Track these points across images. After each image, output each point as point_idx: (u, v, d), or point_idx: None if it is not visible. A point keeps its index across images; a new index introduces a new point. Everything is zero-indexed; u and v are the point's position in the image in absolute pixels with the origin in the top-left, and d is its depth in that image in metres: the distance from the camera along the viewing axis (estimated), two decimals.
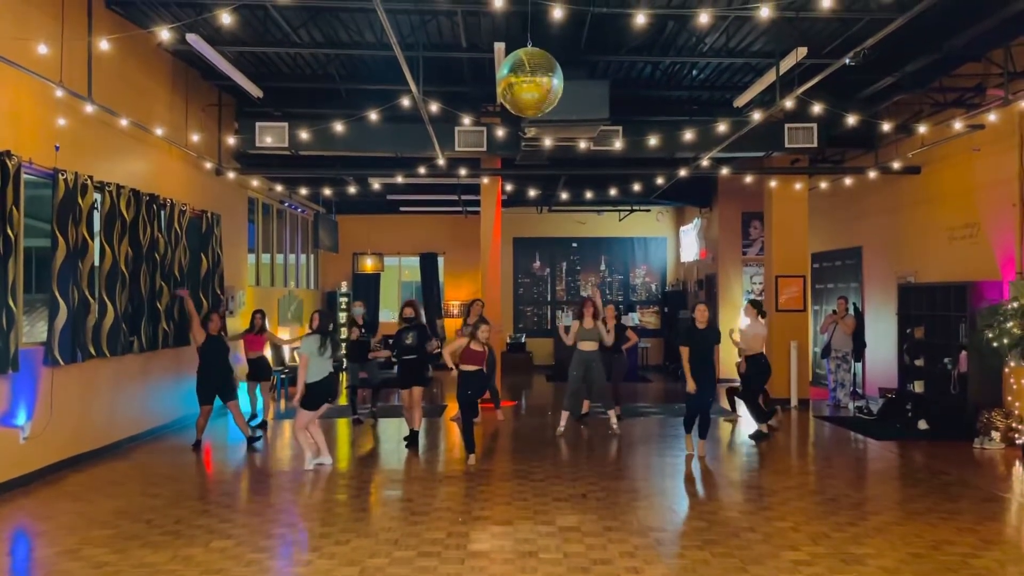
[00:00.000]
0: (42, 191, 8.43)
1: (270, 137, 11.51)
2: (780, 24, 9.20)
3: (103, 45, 8.04)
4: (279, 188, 15.83)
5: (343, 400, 13.78)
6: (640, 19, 7.76)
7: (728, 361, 15.44)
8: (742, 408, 11.17)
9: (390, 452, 9.67)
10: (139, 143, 10.00)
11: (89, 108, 8.20)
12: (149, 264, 9.98)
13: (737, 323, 11.30)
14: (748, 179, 14.30)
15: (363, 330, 11.68)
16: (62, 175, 8.15)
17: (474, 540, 5.99)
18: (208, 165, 11.97)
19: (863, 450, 9.81)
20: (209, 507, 6.97)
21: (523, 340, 19.90)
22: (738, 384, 11.24)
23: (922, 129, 11.08)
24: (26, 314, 8.23)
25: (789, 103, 9.36)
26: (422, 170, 12.97)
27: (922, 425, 10.76)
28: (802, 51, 9.08)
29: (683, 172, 13.01)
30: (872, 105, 11.45)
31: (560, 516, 6.63)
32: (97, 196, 8.94)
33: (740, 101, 11.32)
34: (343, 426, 11.43)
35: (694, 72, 11.64)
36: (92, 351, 8.70)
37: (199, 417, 9.73)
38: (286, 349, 15.26)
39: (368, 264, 20.81)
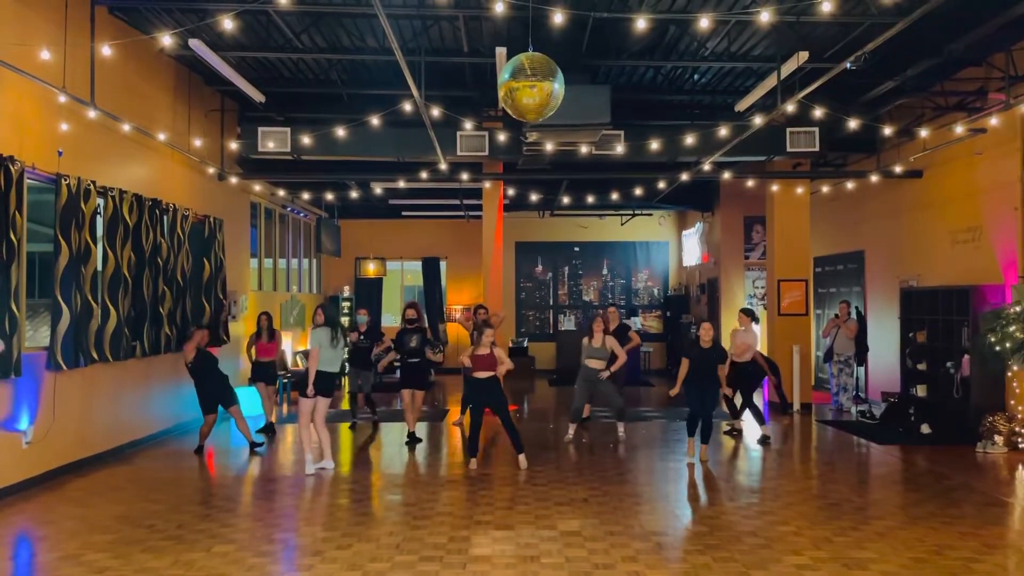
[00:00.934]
0: (45, 196, 8.46)
1: (272, 142, 11.54)
2: (781, 28, 9.21)
3: (106, 51, 8.08)
4: (281, 193, 15.86)
5: (345, 404, 13.80)
6: (641, 24, 7.78)
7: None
8: (744, 414, 11.15)
9: (392, 456, 9.67)
10: (142, 148, 10.03)
11: (92, 113, 8.23)
12: (152, 269, 10.00)
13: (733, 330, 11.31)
14: (750, 183, 14.31)
15: (363, 336, 11.67)
16: (65, 180, 8.17)
17: (476, 544, 5.98)
18: (211, 170, 12.00)
19: (865, 454, 9.79)
20: (211, 512, 6.97)
21: (525, 344, 19.89)
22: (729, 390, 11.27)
23: (924, 133, 11.08)
24: (29, 319, 8.26)
25: (790, 107, 9.36)
26: (424, 174, 12.98)
27: (925, 429, 10.73)
28: (803, 55, 9.09)
29: (685, 176, 13.01)
30: (874, 109, 11.45)
31: (562, 520, 6.63)
32: (100, 201, 8.96)
33: (742, 105, 11.33)
34: (344, 430, 11.43)
35: (695, 76, 11.66)
36: (95, 356, 8.72)
37: (203, 425, 9.73)
38: (289, 354, 15.28)
39: (370, 268, 20.83)
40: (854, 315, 13.03)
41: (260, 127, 11.68)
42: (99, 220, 9.00)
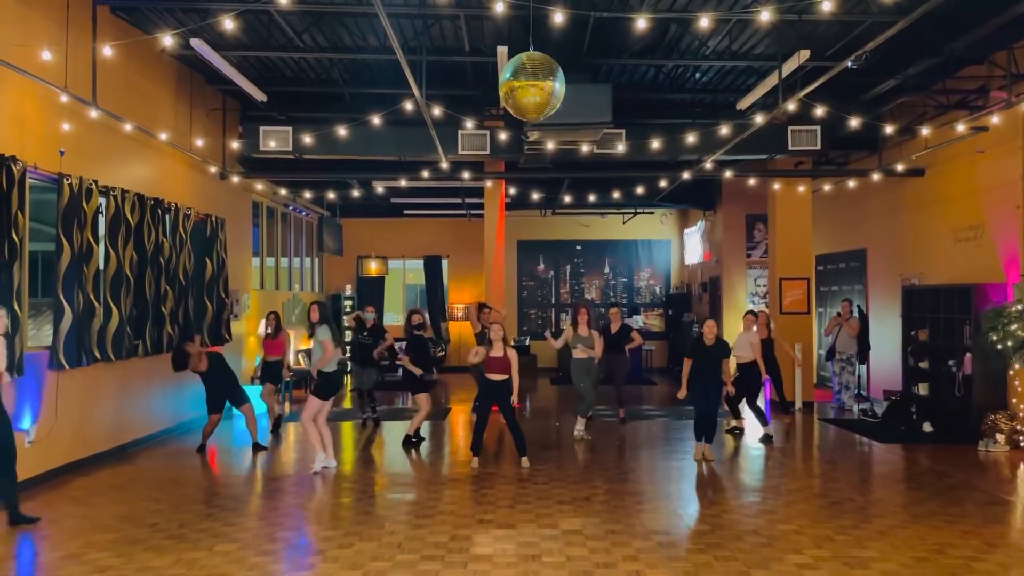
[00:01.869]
0: (47, 196, 8.48)
1: (274, 141, 11.54)
2: (782, 27, 9.20)
3: (107, 50, 8.09)
4: (283, 192, 15.87)
5: (347, 403, 13.83)
6: (642, 23, 7.78)
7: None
8: (746, 412, 11.15)
9: (393, 455, 9.68)
10: (144, 148, 10.04)
11: (94, 113, 8.24)
12: (154, 268, 10.01)
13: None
14: (752, 182, 14.31)
15: (366, 333, 11.69)
16: (67, 180, 8.19)
17: (477, 543, 5.99)
18: (212, 169, 12.01)
19: (867, 453, 9.79)
20: (213, 511, 6.99)
21: (527, 343, 19.89)
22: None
23: (925, 131, 11.06)
24: (31, 318, 8.28)
25: (792, 106, 9.35)
26: (426, 173, 12.99)
27: (926, 428, 10.73)
28: (804, 54, 9.08)
29: (686, 175, 13.01)
30: (875, 107, 11.45)
31: (563, 519, 6.64)
32: (102, 200, 8.98)
33: (743, 104, 11.32)
34: (347, 429, 11.45)
35: (697, 75, 11.65)
36: (97, 355, 8.73)
37: (207, 424, 9.74)
38: (292, 353, 15.30)
39: (372, 267, 20.84)
40: (856, 313, 13.02)
41: (262, 126, 11.69)
42: (101, 219, 9.02)
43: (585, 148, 11.31)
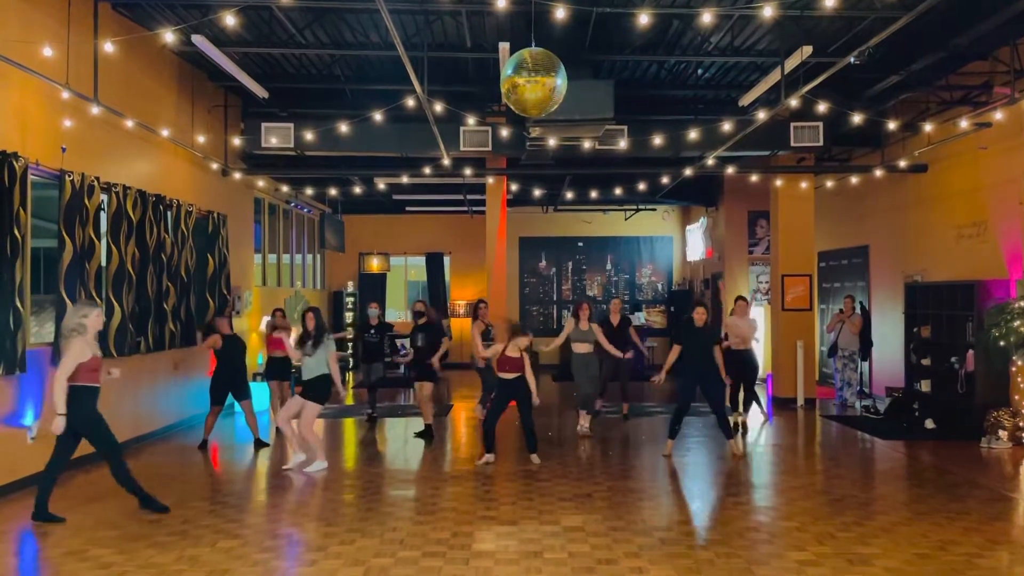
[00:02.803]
0: (49, 192, 8.47)
1: (276, 138, 11.53)
2: (785, 23, 9.18)
3: (109, 47, 8.08)
4: (285, 188, 15.87)
5: (349, 399, 13.85)
6: (644, 19, 7.74)
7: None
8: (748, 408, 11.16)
9: (395, 452, 9.68)
10: (145, 144, 10.03)
11: (95, 109, 8.23)
12: (156, 265, 10.02)
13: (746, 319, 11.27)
14: (754, 178, 14.27)
15: (373, 331, 11.69)
16: (69, 176, 8.19)
17: (479, 540, 5.99)
18: (214, 166, 12.00)
19: (869, 449, 9.78)
20: (215, 507, 6.99)
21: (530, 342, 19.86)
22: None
23: (928, 127, 11.03)
24: (33, 315, 8.28)
25: (794, 102, 9.33)
26: (427, 170, 12.98)
27: (929, 424, 10.72)
28: (807, 50, 9.05)
29: (688, 171, 12.99)
30: (878, 103, 11.41)
31: (565, 516, 6.63)
32: (104, 197, 8.98)
33: (745, 100, 11.30)
34: (349, 425, 11.47)
35: (699, 71, 11.63)
36: (99, 352, 8.71)
37: (208, 416, 9.75)
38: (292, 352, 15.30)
39: (374, 264, 20.84)
40: (858, 310, 13.00)
41: (263, 123, 11.67)
42: (103, 216, 9.02)
43: (587, 144, 11.30)
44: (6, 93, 7.45)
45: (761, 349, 11.20)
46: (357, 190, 16.61)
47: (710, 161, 12.37)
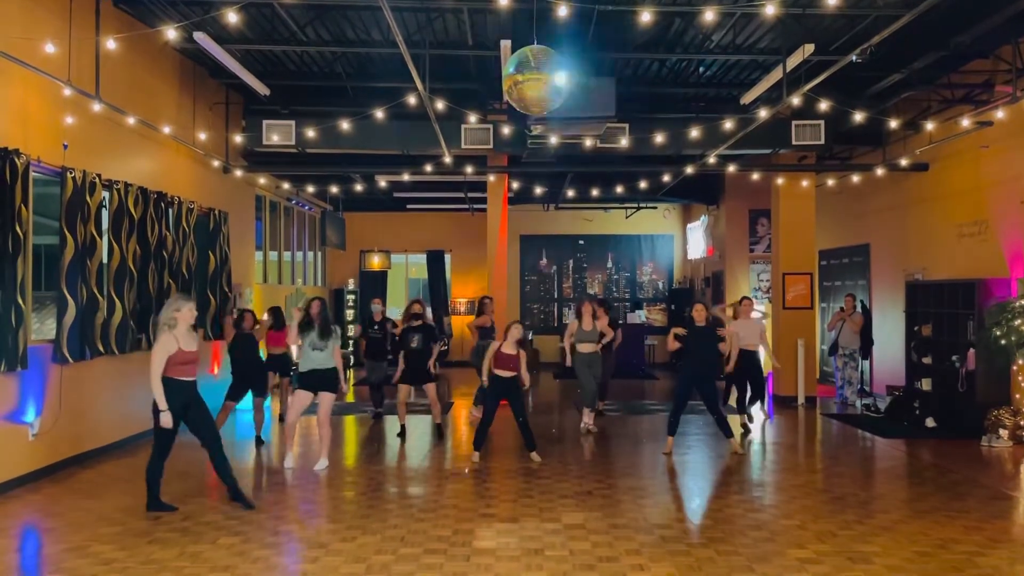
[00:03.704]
0: (50, 189, 8.47)
1: (277, 135, 11.53)
2: (787, 21, 9.17)
3: (111, 44, 8.08)
4: (286, 186, 15.87)
5: (350, 397, 13.86)
6: (646, 16, 7.74)
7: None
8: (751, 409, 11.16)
9: (396, 449, 9.69)
10: (147, 141, 10.04)
11: (97, 106, 8.23)
12: (157, 262, 10.02)
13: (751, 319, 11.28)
14: (755, 176, 14.28)
15: (376, 327, 11.69)
16: (70, 173, 8.19)
17: (480, 537, 6.00)
18: (215, 163, 12.00)
19: (870, 448, 9.78)
20: (217, 504, 7.00)
21: (530, 337, 19.89)
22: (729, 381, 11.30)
23: (930, 126, 11.03)
24: (35, 312, 8.28)
25: (796, 100, 9.33)
26: (429, 167, 12.97)
27: (929, 423, 10.72)
28: (809, 48, 9.05)
29: (690, 169, 12.99)
30: (880, 102, 11.41)
31: (566, 514, 6.64)
32: (105, 194, 8.98)
33: (747, 98, 11.29)
34: (350, 423, 11.48)
35: (701, 69, 11.62)
36: (101, 348, 8.74)
37: (220, 411, 9.74)
38: (293, 347, 15.31)
39: (375, 261, 20.84)
40: (859, 308, 13.00)
41: (265, 120, 11.68)
42: (104, 213, 9.02)
43: (588, 142, 11.29)
44: (8, 90, 7.45)
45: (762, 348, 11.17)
46: (358, 187, 16.62)
47: (711, 159, 12.37)
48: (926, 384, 11.29)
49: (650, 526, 6.30)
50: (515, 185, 16.27)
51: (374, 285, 20.29)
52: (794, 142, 11.74)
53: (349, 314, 19.94)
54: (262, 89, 10.83)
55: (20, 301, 7.26)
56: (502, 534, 6.08)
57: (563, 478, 7.95)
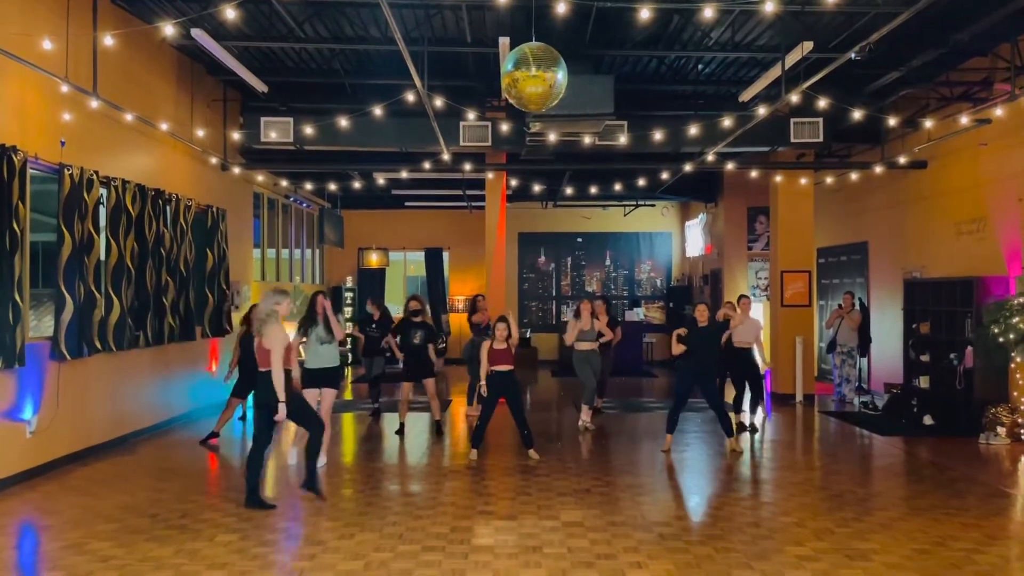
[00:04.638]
0: (48, 186, 8.45)
1: (275, 132, 11.52)
2: (785, 18, 9.16)
3: (108, 40, 8.05)
4: (284, 183, 15.85)
5: (348, 394, 13.86)
6: (645, 13, 7.74)
7: None
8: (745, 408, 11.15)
9: (394, 447, 9.68)
10: (144, 138, 10.01)
11: (94, 103, 8.21)
12: (155, 259, 10.00)
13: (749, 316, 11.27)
14: (754, 174, 14.28)
15: (374, 325, 11.69)
16: (68, 170, 8.17)
17: (478, 535, 6.00)
18: (213, 160, 11.98)
19: (868, 445, 9.79)
20: (215, 501, 7.00)
21: (528, 335, 19.89)
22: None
23: (928, 124, 11.03)
24: (32, 309, 8.27)
25: (795, 98, 9.32)
26: (427, 165, 12.96)
27: (927, 421, 10.73)
28: (808, 45, 9.04)
29: (688, 167, 12.98)
30: (878, 100, 11.40)
31: (564, 511, 6.64)
32: (103, 191, 8.96)
33: (745, 96, 11.29)
34: (348, 420, 11.47)
35: (699, 67, 11.61)
36: (98, 346, 8.73)
37: (226, 408, 9.72)
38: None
39: (373, 259, 20.82)
40: (857, 306, 13.01)
41: (263, 117, 11.67)
42: (102, 210, 9.00)
43: (587, 140, 11.29)
44: (5, 86, 7.43)
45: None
46: (356, 185, 16.60)
47: (710, 157, 12.37)
48: (924, 382, 11.30)
49: (648, 524, 6.30)
50: (513, 183, 16.25)
51: (372, 283, 20.29)
52: (793, 140, 11.74)
53: (347, 312, 19.92)
54: (260, 86, 10.81)
55: (18, 298, 7.25)
56: (500, 531, 6.08)
57: (561, 476, 7.95)
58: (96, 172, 8.70)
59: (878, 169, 12.51)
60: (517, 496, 7.16)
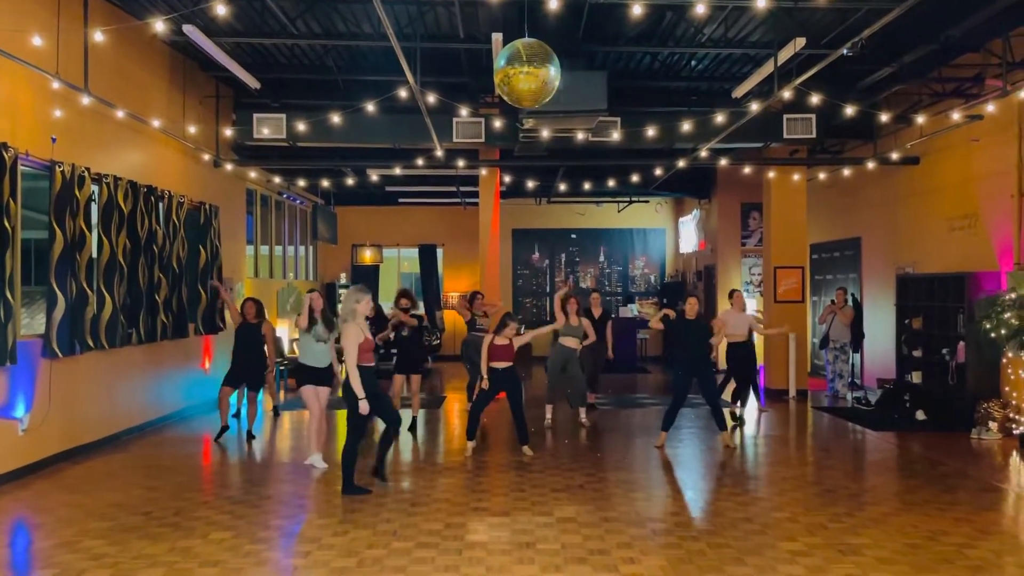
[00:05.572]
0: (39, 183, 8.42)
1: (268, 128, 11.48)
2: (778, 14, 9.17)
3: (99, 36, 8.00)
4: (277, 180, 15.81)
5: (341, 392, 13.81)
6: (637, 9, 7.73)
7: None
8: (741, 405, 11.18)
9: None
10: (136, 134, 9.98)
11: (86, 99, 8.17)
12: (147, 256, 9.97)
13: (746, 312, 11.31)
14: (747, 170, 14.30)
15: (367, 321, 11.65)
16: (59, 167, 8.13)
17: (472, 531, 6.00)
18: (206, 157, 11.94)
19: (861, 441, 9.82)
20: (208, 499, 6.99)
21: (522, 331, 19.83)
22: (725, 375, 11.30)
23: (921, 119, 11.05)
24: (24, 306, 8.24)
25: (787, 94, 9.33)
26: (420, 161, 12.94)
27: (920, 416, 10.77)
28: (800, 41, 9.05)
29: (682, 163, 12.99)
30: (871, 95, 11.42)
31: (557, 507, 6.65)
32: (94, 188, 8.92)
33: (739, 92, 11.28)
34: (341, 417, 11.44)
35: (692, 63, 11.61)
36: (90, 343, 8.70)
37: (220, 400, 9.72)
38: (286, 341, 15.28)
39: (367, 256, 20.81)
40: (850, 302, 13.04)
41: (255, 113, 11.62)
42: (94, 207, 8.96)
43: (580, 136, 11.28)
44: None
45: (753, 340, 11.19)
46: (350, 181, 16.56)
47: (703, 153, 12.37)
48: (916, 377, 11.34)
49: (641, 519, 6.32)
50: (507, 179, 16.24)
51: (366, 279, 20.25)
52: (786, 136, 11.76)
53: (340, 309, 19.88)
54: (252, 82, 10.77)
55: (8, 296, 7.22)
56: (494, 528, 6.08)
57: (555, 472, 7.96)
58: (88, 169, 8.66)
59: (871, 165, 12.53)
60: (511, 492, 7.17)
